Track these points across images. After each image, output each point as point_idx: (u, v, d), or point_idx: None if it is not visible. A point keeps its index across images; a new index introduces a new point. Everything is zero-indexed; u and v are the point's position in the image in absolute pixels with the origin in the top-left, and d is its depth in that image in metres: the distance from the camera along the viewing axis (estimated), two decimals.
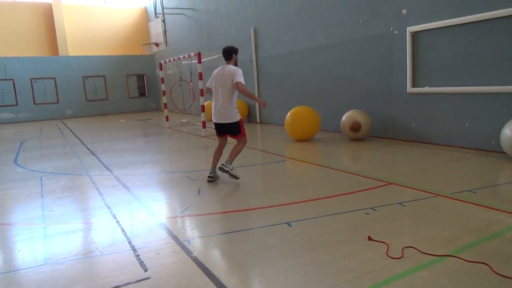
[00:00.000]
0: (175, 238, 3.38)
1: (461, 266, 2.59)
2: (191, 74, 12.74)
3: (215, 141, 9.16)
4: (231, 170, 5.16)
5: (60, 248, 3.32)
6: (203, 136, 10.07)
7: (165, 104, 13.25)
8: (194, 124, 12.88)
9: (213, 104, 5.25)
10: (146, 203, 4.56)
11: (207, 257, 2.97)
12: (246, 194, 4.72)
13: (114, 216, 4.06)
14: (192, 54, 10.47)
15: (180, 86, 14.85)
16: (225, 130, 5.31)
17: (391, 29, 7.56)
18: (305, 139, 8.30)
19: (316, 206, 4.05)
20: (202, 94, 10.08)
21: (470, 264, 2.61)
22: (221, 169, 5.17)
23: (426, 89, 7.06)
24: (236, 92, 5.18)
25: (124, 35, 22.13)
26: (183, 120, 13.73)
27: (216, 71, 5.32)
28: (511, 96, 5.80)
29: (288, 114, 8.40)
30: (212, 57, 12.27)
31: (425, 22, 6.87)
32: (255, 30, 12.04)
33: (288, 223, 3.55)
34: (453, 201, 3.94)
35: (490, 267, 2.54)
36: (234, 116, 5.16)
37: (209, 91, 5.39)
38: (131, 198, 4.81)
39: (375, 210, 3.77)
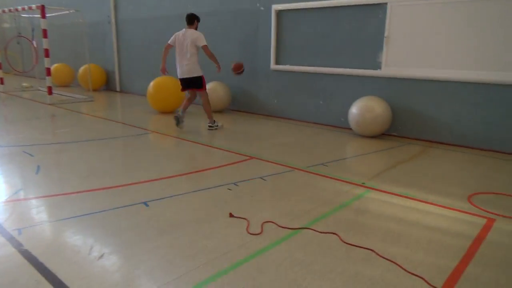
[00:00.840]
0: (0, 227, 2.73)
1: (314, 237, 2.69)
2: (33, 30, 10.81)
3: (64, 110, 8.03)
4: (218, 125, 6.44)
5: None
6: (49, 104, 8.71)
7: None
8: (38, 89, 11.09)
9: (178, 62, 6.15)
10: None
11: (41, 250, 2.45)
12: (97, 171, 4.17)
13: None
14: (33, 6, 8.80)
15: (18, 43, 12.53)
16: (190, 84, 6.22)
17: (258, 5, 7.60)
18: (170, 111, 7.89)
19: (178, 183, 3.80)
20: (47, 55, 8.62)
21: (322, 235, 2.73)
22: (210, 129, 6.39)
23: (287, 67, 7.36)
24: (198, 52, 6.11)
25: None
26: (24, 84, 11.66)
27: (179, 33, 6.15)
28: (359, 79, 6.45)
29: (151, 84, 7.83)
30: (62, 13, 10.62)
31: (289, 2, 7.07)
32: None
33: (145, 203, 3.23)
34: (308, 174, 4.16)
35: (339, 237, 2.70)
36: (199, 71, 6.16)
37: (168, 48, 6.23)
38: None
39: (237, 185, 3.72)
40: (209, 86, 7.73)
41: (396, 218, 3.07)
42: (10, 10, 9.95)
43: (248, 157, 4.76)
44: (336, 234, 2.73)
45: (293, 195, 3.53)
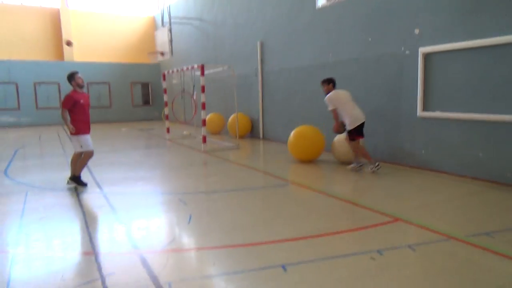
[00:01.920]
0: (154, 278, 3.00)
1: None
2: (193, 86, 12.45)
3: (214, 157, 8.84)
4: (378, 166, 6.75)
5: (21, 283, 2.95)
6: (203, 152, 9.72)
7: (167, 116, 12.96)
8: (195, 137, 12.56)
9: (353, 109, 6.77)
10: (130, 231, 4.18)
11: None
12: (239, 225, 4.33)
13: (92, 246, 3.69)
14: (195, 65, 10.18)
15: (182, 98, 14.57)
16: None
17: (402, 49, 7.22)
18: (309, 160, 7.92)
19: (315, 245, 3.66)
20: (203, 108, 9.76)
21: None
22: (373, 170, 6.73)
23: (438, 113, 6.67)
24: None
25: (130, 43, 22.00)
26: (185, 132, 13.41)
27: (340, 91, 7.00)
28: None
29: (292, 133, 8.04)
30: (217, 69, 12.00)
31: (438, 44, 6.52)
32: (261, 43, 11.76)
33: (283, 266, 3.16)
34: (468, 246, 3.53)
35: None
36: None
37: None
38: (115, 223, 4.45)
39: (381, 254, 3.37)
40: (338, 137, 7.58)
41: None
42: (177, 70, 11.72)
43: (393, 219, 4.33)
44: None
45: (450, 274, 3.00)
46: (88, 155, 6.01)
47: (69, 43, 12.94)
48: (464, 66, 6.21)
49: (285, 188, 6.09)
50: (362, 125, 6.74)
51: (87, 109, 6.02)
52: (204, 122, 9.98)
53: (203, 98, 9.74)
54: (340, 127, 6.85)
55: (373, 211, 4.61)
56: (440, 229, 3.96)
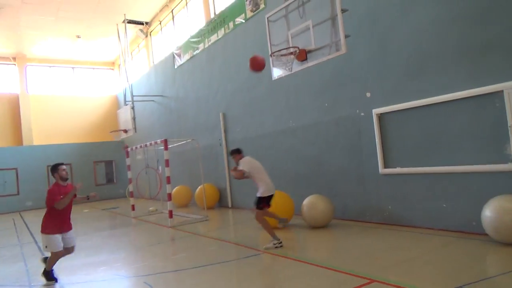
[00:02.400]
0: None
1: None
2: (158, 160, 12.33)
3: (182, 232, 8.48)
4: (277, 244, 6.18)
5: None
6: (170, 227, 9.34)
7: (131, 193, 12.58)
8: (162, 212, 12.15)
9: (265, 179, 6.47)
10: None
11: None
12: None
13: None
14: (158, 141, 10.17)
15: (146, 173, 14.33)
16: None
17: (357, 111, 7.60)
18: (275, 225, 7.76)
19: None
20: (168, 182, 9.58)
21: None
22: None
23: (398, 169, 6.88)
24: None
25: (93, 122, 21.93)
26: (151, 209, 12.96)
27: (250, 158, 6.78)
28: (486, 175, 5.65)
29: None
30: (181, 143, 12.03)
31: (389, 104, 6.93)
32: (224, 115, 12.05)
33: None
34: None
35: None
36: None
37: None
38: None
39: None
40: (307, 200, 7.51)
41: None
42: (141, 146, 11.64)
43: (369, 280, 4.20)
44: None
45: None
46: (57, 254, 5.35)
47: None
48: (416, 123, 6.56)
49: (258, 258, 5.85)
50: (271, 196, 6.45)
51: (70, 204, 5.45)
52: (169, 197, 9.72)
53: (167, 172, 9.61)
54: (240, 175, 6.47)
55: (349, 274, 4.47)
56: (416, 287, 3.86)
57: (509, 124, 5.33)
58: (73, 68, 22.03)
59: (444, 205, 6.22)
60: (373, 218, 7.39)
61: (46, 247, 5.30)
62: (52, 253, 5.32)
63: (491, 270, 4.45)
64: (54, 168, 5.53)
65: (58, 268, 6.03)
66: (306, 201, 7.54)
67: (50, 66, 21.42)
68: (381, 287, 4.00)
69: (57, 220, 5.33)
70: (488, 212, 5.13)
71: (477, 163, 5.75)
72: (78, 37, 18.48)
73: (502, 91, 5.41)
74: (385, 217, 7.17)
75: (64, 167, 5.57)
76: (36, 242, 8.82)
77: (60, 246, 5.32)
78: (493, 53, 5.54)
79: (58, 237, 5.32)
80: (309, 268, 4.96)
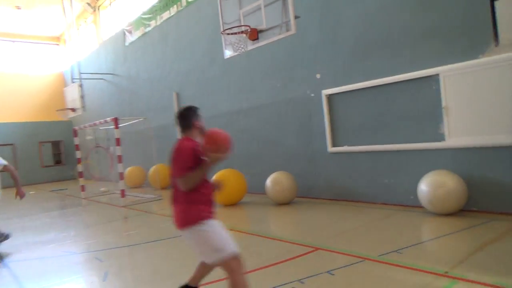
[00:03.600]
0: None
1: None
2: (108, 140, 12.01)
3: (135, 211, 8.42)
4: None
5: None
6: (122, 206, 9.23)
7: (81, 173, 12.19)
8: (114, 193, 11.91)
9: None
10: None
11: None
12: (161, 275, 4.14)
13: None
14: (108, 119, 9.90)
15: (96, 153, 13.91)
16: None
17: (308, 92, 7.85)
18: (232, 204, 7.94)
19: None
20: (120, 161, 9.41)
21: None
22: None
23: (345, 148, 7.25)
24: None
25: (38, 101, 20.70)
26: (102, 189, 12.66)
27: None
28: (424, 152, 6.12)
29: (213, 178, 8.06)
30: (133, 122, 11.78)
31: (337, 86, 7.23)
32: (177, 94, 11.91)
33: None
34: (381, 265, 3.77)
35: None
36: None
37: None
38: None
39: (302, 282, 3.45)
40: (272, 176, 7.67)
41: None
42: (90, 125, 11.26)
43: (313, 248, 4.49)
44: None
45: None
46: None
47: None
48: (362, 104, 6.92)
49: None
50: None
51: None
52: (121, 176, 9.57)
53: (118, 151, 9.42)
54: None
55: (295, 244, 4.73)
56: (355, 252, 4.19)
57: (443, 105, 5.79)
58: (13, 41, 20.54)
59: (386, 181, 6.68)
60: (322, 194, 7.76)
61: None
62: None
63: (423, 236, 4.90)
64: (194, 113, 3.25)
65: (3, 249, 5.83)
66: (270, 178, 7.64)
67: None
68: (324, 253, 4.30)
69: None
70: (423, 186, 5.59)
71: (416, 141, 6.21)
72: (18, 7, 17.21)
73: (438, 75, 5.84)
74: (333, 193, 7.56)
75: None
76: None
77: None
78: (432, 40, 5.94)
79: None
80: (259, 240, 5.19)
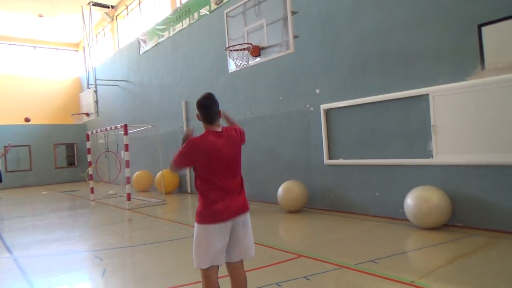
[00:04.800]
0: None
1: None
2: (117, 145, 12.52)
3: (139, 214, 8.82)
4: None
5: None
6: (128, 209, 9.64)
7: (91, 176, 12.70)
8: (122, 196, 12.37)
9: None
10: None
11: None
12: (153, 274, 4.49)
13: None
14: (118, 126, 10.38)
15: (106, 157, 14.43)
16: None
17: (307, 105, 8.18)
18: None
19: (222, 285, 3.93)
20: (127, 166, 9.85)
21: None
22: None
23: (340, 161, 7.53)
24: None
25: (54, 104, 21.50)
26: (110, 192, 13.15)
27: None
28: (412, 168, 6.37)
29: None
30: (141, 128, 12.26)
31: (335, 101, 7.54)
32: (186, 103, 12.36)
33: None
34: (355, 273, 4.05)
35: None
36: None
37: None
38: (23, 287, 4.36)
39: (279, 285, 3.76)
40: (284, 186, 7.86)
41: None
42: (101, 130, 11.78)
43: (297, 255, 4.78)
44: None
45: None
46: None
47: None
48: (357, 119, 7.22)
49: None
50: None
51: None
52: (128, 180, 10.01)
53: (126, 156, 9.87)
54: None
55: (281, 250, 5.03)
56: (334, 260, 4.47)
57: (431, 124, 6.05)
58: (34, 47, 21.45)
59: (377, 194, 6.93)
60: (317, 204, 8.04)
61: None
62: None
63: (402, 248, 5.14)
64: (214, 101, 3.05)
65: (12, 245, 6.28)
66: (282, 186, 7.90)
67: (10, 44, 20.78)
68: (306, 260, 4.59)
69: None
70: (409, 201, 5.84)
71: (405, 157, 6.46)
72: (41, 16, 18.05)
73: (428, 94, 6.11)
74: (328, 204, 7.83)
75: None
76: None
77: None
78: (424, 61, 6.22)
79: None
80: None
